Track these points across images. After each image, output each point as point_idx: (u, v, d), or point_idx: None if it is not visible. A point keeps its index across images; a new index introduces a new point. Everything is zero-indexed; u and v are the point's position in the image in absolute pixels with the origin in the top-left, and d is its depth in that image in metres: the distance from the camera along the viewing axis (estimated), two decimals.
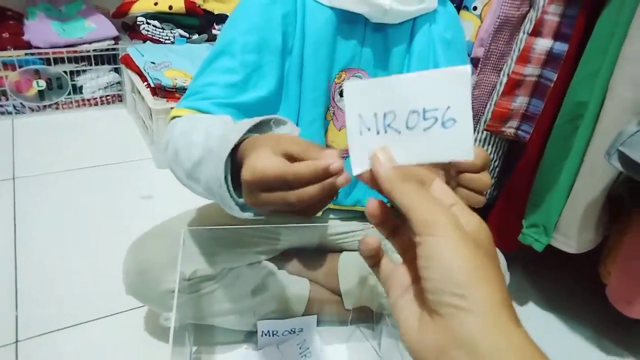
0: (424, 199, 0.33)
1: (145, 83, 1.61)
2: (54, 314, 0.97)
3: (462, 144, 0.34)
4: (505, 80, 1.04)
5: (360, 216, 0.98)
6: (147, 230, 0.89)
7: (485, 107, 1.10)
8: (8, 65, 1.74)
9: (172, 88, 1.54)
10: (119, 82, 1.96)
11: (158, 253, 0.84)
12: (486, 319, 0.29)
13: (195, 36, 1.96)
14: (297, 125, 0.82)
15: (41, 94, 1.84)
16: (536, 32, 0.97)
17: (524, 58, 1.00)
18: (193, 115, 0.72)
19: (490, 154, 1.13)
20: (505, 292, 0.31)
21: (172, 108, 1.49)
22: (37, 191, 1.37)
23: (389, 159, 0.36)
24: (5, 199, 1.32)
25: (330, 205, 0.94)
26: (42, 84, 1.81)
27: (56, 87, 1.87)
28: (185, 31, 1.94)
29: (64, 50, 1.80)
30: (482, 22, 1.09)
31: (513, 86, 1.03)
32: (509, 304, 0.31)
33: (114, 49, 1.90)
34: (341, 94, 0.84)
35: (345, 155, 0.85)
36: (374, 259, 0.40)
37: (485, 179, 0.56)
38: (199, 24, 1.97)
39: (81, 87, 1.91)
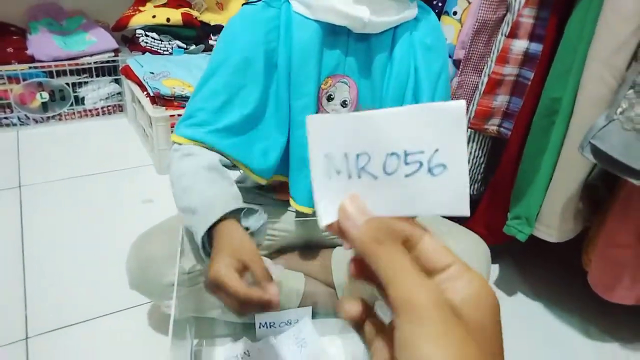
0: (403, 271, 0.27)
1: (145, 92, 1.67)
2: (62, 311, 1.02)
3: (455, 195, 0.29)
4: (486, 80, 1.10)
5: None
6: (156, 224, 0.94)
7: (468, 107, 1.15)
8: (12, 79, 1.80)
9: (171, 96, 1.60)
10: (119, 93, 2.02)
11: (159, 248, 0.89)
12: None
13: (193, 47, 2.02)
14: (289, 129, 0.88)
15: (44, 106, 1.90)
16: (513, 34, 1.03)
17: (503, 59, 1.05)
18: (188, 155, 0.82)
19: (475, 150, 1.18)
20: None
21: (171, 116, 1.55)
22: (42, 198, 1.43)
23: (360, 211, 0.30)
24: (13, 205, 1.37)
25: None
26: (45, 96, 1.87)
27: (59, 99, 1.92)
28: (182, 42, 2.00)
29: (66, 63, 1.86)
30: (462, 25, 1.15)
31: (493, 85, 1.08)
32: None
33: (114, 61, 1.96)
34: (328, 99, 0.89)
35: None
36: (356, 323, 0.33)
37: None
38: (196, 35, 2.03)
39: (83, 99, 1.97)
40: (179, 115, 1.58)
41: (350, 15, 0.80)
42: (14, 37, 1.88)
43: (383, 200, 0.31)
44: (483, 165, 1.20)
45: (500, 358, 0.27)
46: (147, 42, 1.95)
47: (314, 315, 1.00)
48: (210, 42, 2.06)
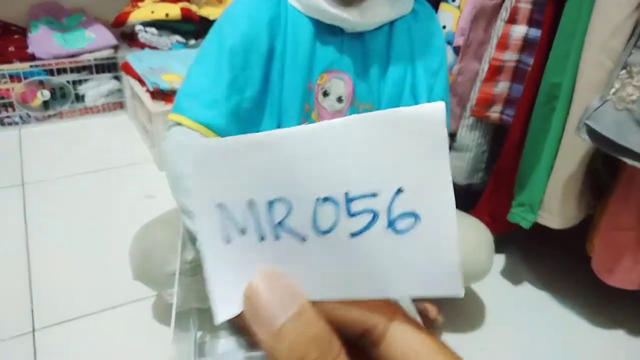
0: None
1: (145, 88, 1.67)
2: (68, 304, 1.03)
3: (436, 264, 0.19)
4: (486, 67, 1.09)
5: None
6: (152, 218, 0.94)
7: (469, 94, 1.14)
8: (14, 78, 1.81)
9: (170, 91, 1.60)
10: (119, 90, 2.02)
11: (161, 238, 0.89)
12: None
13: (192, 41, 2.02)
14: (279, 122, 0.87)
15: (46, 104, 1.90)
16: (512, 20, 1.02)
17: (502, 45, 1.05)
18: (185, 140, 0.80)
19: (478, 139, 1.18)
20: None
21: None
22: (45, 195, 1.43)
23: (282, 297, 0.20)
24: (16, 203, 1.38)
25: None
26: (47, 94, 1.87)
27: (60, 97, 1.93)
28: (182, 37, 2.00)
29: (66, 60, 1.86)
30: (461, 12, 1.14)
31: (494, 72, 1.08)
32: None
33: (113, 58, 1.96)
34: (324, 94, 0.88)
35: None
36: None
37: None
38: (195, 29, 2.03)
39: (83, 96, 1.97)
40: None
41: (337, 16, 0.79)
42: (15, 36, 1.89)
43: (318, 276, 0.20)
44: (486, 154, 1.20)
45: None
46: (146, 38, 1.95)
47: None
48: None
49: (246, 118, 0.84)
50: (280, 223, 0.20)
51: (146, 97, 1.62)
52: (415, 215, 0.19)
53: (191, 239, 0.84)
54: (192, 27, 2.02)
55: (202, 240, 0.21)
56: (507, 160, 1.11)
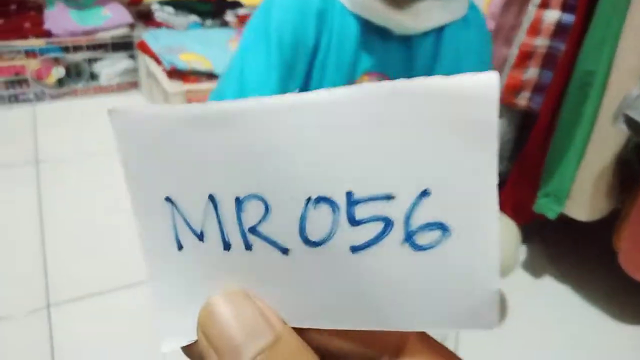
0: None
1: (161, 67, 1.64)
2: (83, 282, 1.02)
3: (470, 292, 0.14)
4: (516, 52, 1.06)
5: None
6: None
7: None
8: (29, 54, 1.79)
9: (188, 71, 1.58)
10: (134, 69, 2.00)
11: None
12: None
13: (209, 22, 1.99)
14: None
15: (60, 82, 1.88)
16: (545, 4, 0.99)
17: (534, 30, 1.01)
18: None
19: (504, 126, 1.15)
20: None
21: (187, 91, 1.53)
22: (59, 172, 1.42)
23: (252, 324, 0.15)
24: (30, 180, 1.37)
25: None
26: (62, 71, 1.86)
27: (74, 75, 1.91)
28: (198, 17, 1.97)
29: (82, 38, 1.84)
30: None
31: (524, 58, 1.04)
32: None
33: (129, 37, 1.94)
34: None
35: None
36: None
37: None
38: (212, 9, 2.00)
39: (98, 75, 1.95)
40: (196, 90, 1.56)
41: (389, 18, 0.75)
42: (31, 13, 1.87)
43: (304, 299, 0.15)
44: (511, 142, 1.17)
45: None
46: (162, 17, 1.92)
47: None
48: (227, 17, 2.03)
49: None
50: (253, 228, 0.15)
51: (162, 77, 1.60)
52: (443, 227, 0.14)
53: None
54: (209, 7, 1.99)
55: (144, 245, 0.17)
56: (533, 149, 1.09)
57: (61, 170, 1.43)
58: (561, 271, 1.17)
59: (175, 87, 1.54)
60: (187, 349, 0.16)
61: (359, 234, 0.14)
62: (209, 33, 1.90)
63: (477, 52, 0.84)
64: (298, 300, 0.15)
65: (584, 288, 1.12)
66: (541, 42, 1.02)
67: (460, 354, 0.16)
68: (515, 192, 1.14)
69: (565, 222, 1.02)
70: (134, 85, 2.02)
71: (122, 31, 1.91)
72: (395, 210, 0.14)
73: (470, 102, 0.13)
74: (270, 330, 0.14)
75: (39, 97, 1.86)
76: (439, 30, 0.80)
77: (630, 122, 0.79)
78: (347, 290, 0.15)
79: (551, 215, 1.01)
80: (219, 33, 1.90)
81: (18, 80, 1.81)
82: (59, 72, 1.85)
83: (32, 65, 1.80)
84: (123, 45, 1.95)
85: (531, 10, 1.03)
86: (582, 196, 0.97)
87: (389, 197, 0.14)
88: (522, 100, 1.08)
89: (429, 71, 0.83)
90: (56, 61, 1.85)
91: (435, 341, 0.15)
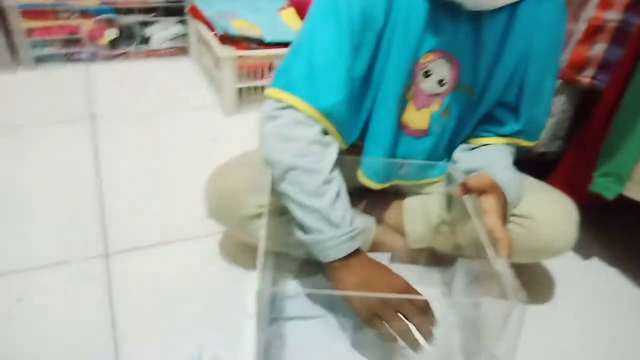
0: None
1: (213, 32, 1.65)
2: (139, 234, 1.05)
3: None
4: (583, 27, 1.02)
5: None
6: (228, 160, 0.94)
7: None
8: (84, 14, 1.83)
9: (239, 37, 1.58)
10: (184, 35, 2.02)
11: (239, 180, 0.89)
12: None
13: None
14: (375, 100, 0.83)
15: (112, 43, 1.92)
16: None
17: (606, 2, 0.98)
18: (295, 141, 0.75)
19: (563, 104, 1.12)
20: None
21: (239, 56, 1.53)
22: (114, 130, 1.46)
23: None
24: (86, 133, 1.41)
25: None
26: (114, 33, 1.89)
27: (126, 37, 1.94)
28: None
29: (135, 1, 1.87)
30: None
31: (592, 33, 1.01)
32: None
33: (181, 1, 1.95)
34: (426, 74, 0.83)
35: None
36: None
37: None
38: None
39: (149, 38, 1.98)
40: (247, 56, 1.57)
41: None
42: None
43: None
44: (568, 121, 1.14)
45: None
46: None
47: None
48: None
49: (355, 99, 0.80)
50: None
51: (214, 42, 1.61)
52: None
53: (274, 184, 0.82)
54: None
55: None
56: (593, 127, 1.05)
57: (116, 127, 1.47)
58: (610, 253, 1.14)
59: (228, 52, 1.54)
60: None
61: None
62: (260, 1, 1.89)
63: (551, 31, 0.80)
64: None
65: (633, 272, 1.09)
66: (613, 16, 0.98)
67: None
68: (570, 171, 1.11)
69: (619, 203, 0.99)
70: (183, 50, 2.04)
71: None
72: None
73: None
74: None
75: (93, 57, 1.90)
76: (514, 6, 0.77)
77: None
78: None
79: (609, 195, 0.98)
80: (270, 1, 1.89)
81: (73, 40, 1.85)
82: (112, 33, 1.88)
83: (86, 25, 1.84)
84: (174, 10, 1.97)
85: None
86: None
87: None
88: (585, 78, 1.05)
89: (498, 49, 0.80)
90: (109, 22, 1.88)
91: None
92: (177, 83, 1.83)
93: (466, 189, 0.80)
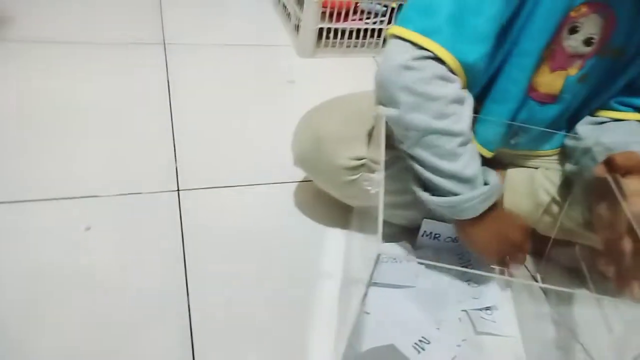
0: None
1: None
2: (211, 172, 0.98)
3: None
4: None
5: None
6: (321, 103, 0.84)
7: None
8: None
9: None
10: None
11: (335, 127, 0.79)
12: None
13: None
14: (509, 55, 0.72)
15: None
16: None
17: None
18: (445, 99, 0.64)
19: None
20: None
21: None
22: (186, 58, 1.37)
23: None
24: (159, 60, 1.33)
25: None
26: None
27: None
28: None
29: None
30: None
31: None
32: None
33: None
34: (572, 30, 0.70)
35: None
36: None
37: None
38: None
39: None
40: None
41: None
42: None
43: None
44: None
45: None
46: None
47: None
48: None
49: (491, 52, 0.68)
50: None
51: None
52: None
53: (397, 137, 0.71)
54: None
55: None
56: None
57: (187, 56, 1.38)
58: None
59: None
60: None
61: None
62: None
63: None
64: None
65: None
66: None
67: None
68: None
69: None
70: None
71: None
72: None
73: None
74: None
75: None
76: None
77: None
78: None
79: None
80: None
81: None
82: None
83: None
84: None
85: None
86: None
87: None
88: None
89: None
90: None
91: None
92: (252, 17, 1.72)
93: (612, 167, 0.69)
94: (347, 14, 1.48)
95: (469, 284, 0.83)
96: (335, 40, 1.51)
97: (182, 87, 1.23)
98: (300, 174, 0.95)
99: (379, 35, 1.56)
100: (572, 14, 0.68)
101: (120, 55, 1.33)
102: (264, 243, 0.85)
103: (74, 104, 1.11)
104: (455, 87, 0.65)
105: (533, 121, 0.80)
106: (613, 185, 0.68)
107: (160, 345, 0.67)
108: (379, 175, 0.65)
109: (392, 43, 0.65)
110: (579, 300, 0.81)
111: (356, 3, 1.47)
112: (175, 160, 0.99)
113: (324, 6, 1.44)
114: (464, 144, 0.67)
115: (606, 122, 0.79)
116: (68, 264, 0.75)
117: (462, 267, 0.85)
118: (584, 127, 0.81)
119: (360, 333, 0.69)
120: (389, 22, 1.53)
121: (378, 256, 0.52)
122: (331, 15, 1.47)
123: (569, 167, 0.82)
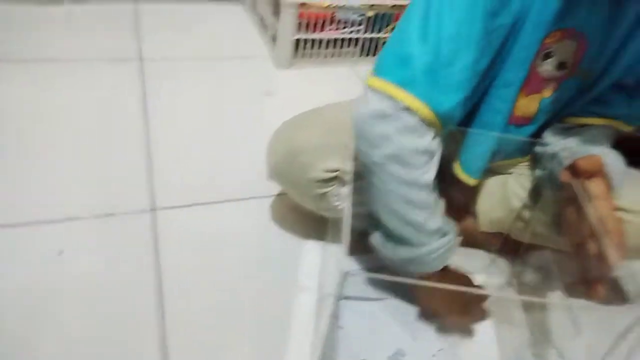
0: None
1: None
2: (188, 189, 0.98)
3: None
4: None
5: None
6: (295, 116, 0.85)
7: None
8: None
9: None
10: None
11: (309, 139, 0.79)
12: None
13: None
14: (489, 89, 0.72)
15: None
16: None
17: None
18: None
19: None
20: None
21: (301, 4, 1.41)
22: (163, 74, 1.37)
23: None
24: (135, 77, 1.33)
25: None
26: None
27: None
28: None
29: None
30: None
31: None
32: None
33: None
34: (545, 57, 0.71)
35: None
36: None
37: None
38: None
39: None
40: (309, 4, 1.44)
41: None
42: None
43: None
44: None
45: None
46: None
47: None
48: None
49: (470, 95, 0.67)
50: None
51: None
52: None
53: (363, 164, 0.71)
54: None
55: None
56: None
57: (165, 71, 1.38)
58: None
59: None
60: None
61: None
62: None
63: None
64: None
65: None
66: None
67: None
68: None
69: None
70: None
71: None
72: None
73: None
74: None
75: None
76: None
77: None
78: None
79: None
80: None
81: None
82: None
83: None
84: None
85: None
86: None
87: None
88: None
89: (629, 31, 0.68)
90: None
91: None
92: (227, 29, 1.72)
93: (576, 172, 0.70)
94: (323, 24, 1.49)
95: None
96: (312, 51, 1.52)
97: (159, 104, 1.23)
98: (276, 188, 0.96)
99: (355, 45, 1.57)
100: (547, 40, 0.69)
101: (96, 72, 1.32)
102: (241, 258, 0.85)
103: (47, 122, 1.10)
104: (426, 140, 0.64)
105: (510, 142, 0.81)
106: (577, 190, 0.69)
107: None
108: (346, 190, 0.66)
109: (369, 91, 0.65)
110: (552, 305, 0.82)
111: (333, 13, 1.49)
112: (151, 179, 0.99)
113: (301, 17, 1.45)
114: (428, 194, 0.67)
115: (572, 127, 0.81)
116: (39, 290, 0.75)
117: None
118: (550, 133, 0.82)
119: (334, 348, 0.70)
120: (366, 32, 1.54)
121: (345, 274, 0.53)
122: (308, 25, 1.48)
123: (538, 172, 0.83)
